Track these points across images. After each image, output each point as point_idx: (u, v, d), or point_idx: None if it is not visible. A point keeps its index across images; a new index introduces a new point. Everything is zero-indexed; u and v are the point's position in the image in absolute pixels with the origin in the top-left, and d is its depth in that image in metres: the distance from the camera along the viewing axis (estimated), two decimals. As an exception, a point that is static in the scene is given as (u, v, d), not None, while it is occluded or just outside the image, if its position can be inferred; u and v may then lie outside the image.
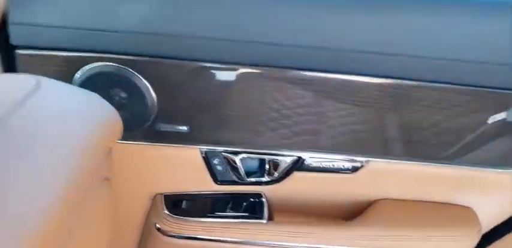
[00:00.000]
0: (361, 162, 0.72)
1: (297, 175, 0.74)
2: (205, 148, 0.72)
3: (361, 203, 0.79)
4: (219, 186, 0.77)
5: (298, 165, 0.73)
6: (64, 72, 0.62)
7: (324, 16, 0.59)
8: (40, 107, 0.31)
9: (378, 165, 0.73)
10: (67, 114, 0.33)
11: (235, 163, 0.74)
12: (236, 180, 0.76)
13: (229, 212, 0.76)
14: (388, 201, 0.78)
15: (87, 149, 0.33)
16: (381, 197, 0.78)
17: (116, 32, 0.59)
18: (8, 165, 0.25)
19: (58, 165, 0.28)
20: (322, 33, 0.59)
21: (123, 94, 0.65)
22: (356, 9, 0.59)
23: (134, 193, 0.79)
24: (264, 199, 0.77)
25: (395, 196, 0.78)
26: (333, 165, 0.73)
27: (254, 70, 0.62)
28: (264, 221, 0.74)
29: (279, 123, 0.68)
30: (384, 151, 0.71)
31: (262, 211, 0.76)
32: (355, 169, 0.73)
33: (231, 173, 0.75)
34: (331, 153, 0.72)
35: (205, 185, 0.77)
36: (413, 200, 0.78)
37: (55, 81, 0.39)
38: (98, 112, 0.39)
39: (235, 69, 0.62)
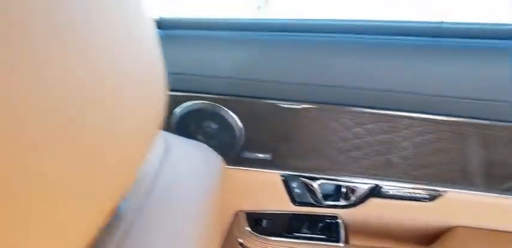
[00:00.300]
0: (439, 191, 0.74)
1: (373, 201, 0.77)
2: (285, 173, 0.78)
3: (437, 229, 0.80)
4: (297, 206, 0.82)
5: (375, 192, 0.76)
6: (166, 108, 0.71)
7: (399, 64, 0.63)
8: (173, 171, 0.38)
9: (456, 194, 0.73)
10: (194, 174, 0.40)
11: (313, 187, 0.79)
12: (313, 202, 0.81)
13: (306, 233, 0.81)
14: (465, 229, 0.78)
15: (212, 203, 0.39)
16: (458, 225, 0.78)
17: (212, 77, 0.67)
18: (151, 229, 0.32)
19: (191, 225, 0.34)
20: (401, 79, 0.64)
21: (215, 126, 0.73)
22: (426, 59, 0.64)
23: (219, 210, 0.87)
24: (340, 221, 0.81)
25: (472, 225, 0.78)
26: (410, 194, 0.75)
27: (330, 108, 0.68)
28: (341, 244, 0.78)
29: (356, 153, 0.72)
30: (463, 182, 0.71)
31: (338, 234, 0.80)
32: (432, 198, 0.74)
33: (309, 196, 0.80)
34: (409, 182, 0.74)
35: (284, 205, 0.82)
36: (491, 230, 0.78)
37: (174, 136, 0.46)
38: (212, 165, 0.46)
39: (313, 107, 0.68)
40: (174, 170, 0.38)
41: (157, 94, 0.27)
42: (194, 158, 0.44)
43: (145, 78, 0.24)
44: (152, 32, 0.27)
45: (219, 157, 0.51)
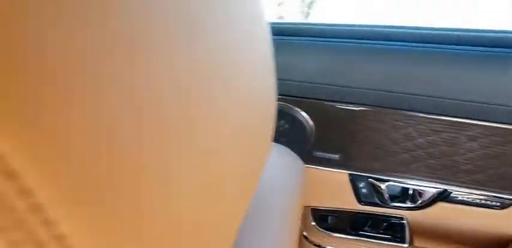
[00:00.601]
0: (511, 199, 0.73)
1: (441, 205, 0.78)
2: (353, 173, 0.81)
3: (506, 238, 0.78)
4: (362, 206, 0.85)
5: (444, 196, 0.77)
6: None
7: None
8: (265, 173, 0.43)
9: None
10: (283, 177, 0.45)
11: (380, 188, 0.81)
12: (379, 202, 0.83)
13: (370, 231, 0.84)
14: None
15: (297, 201, 0.44)
16: None
17: (285, 80, 0.72)
18: (251, 226, 0.37)
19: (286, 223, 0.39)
20: (472, 89, 0.65)
21: (287, 126, 0.77)
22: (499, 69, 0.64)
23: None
24: (405, 222, 0.83)
25: None
26: (480, 200, 0.74)
27: (399, 113, 0.71)
28: (405, 245, 0.80)
29: (425, 157, 0.73)
30: None
31: (403, 235, 0.81)
32: (504, 206, 0.73)
33: (375, 196, 0.82)
34: (480, 189, 0.73)
35: (349, 204, 0.85)
36: None
37: None
38: (296, 168, 0.51)
39: (381, 110, 0.71)
40: (266, 172, 0.43)
41: (271, 99, 0.27)
42: (281, 161, 0.48)
43: (259, 83, 0.24)
44: (268, 37, 0.26)
45: (300, 160, 0.55)
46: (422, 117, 0.70)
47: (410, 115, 0.70)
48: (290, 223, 0.40)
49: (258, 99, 0.23)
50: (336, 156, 0.79)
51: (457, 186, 0.75)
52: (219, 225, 0.20)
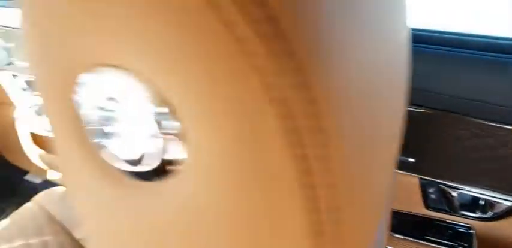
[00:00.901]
0: None
1: (514, 219, 0.77)
2: (425, 178, 0.81)
3: None
4: (428, 211, 0.85)
5: (519, 211, 0.76)
6: None
7: None
8: None
9: None
10: None
11: (451, 196, 0.81)
12: (447, 209, 0.83)
13: (435, 237, 0.84)
14: None
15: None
16: None
17: None
18: None
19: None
20: None
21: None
22: None
23: None
24: (473, 232, 0.82)
25: None
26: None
27: (480, 122, 0.71)
28: (472, 255, 0.80)
29: (503, 169, 0.72)
30: None
31: (471, 244, 0.80)
32: None
33: (444, 203, 0.82)
34: None
35: (416, 208, 0.86)
36: None
37: None
38: None
39: (463, 118, 0.71)
40: None
41: (401, 110, 0.26)
42: None
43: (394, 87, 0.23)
44: (407, 42, 0.26)
45: None
46: (502, 127, 0.69)
47: (490, 125, 0.70)
48: (381, 225, 0.42)
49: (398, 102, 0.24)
50: (412, 160, 0.80)
51: None
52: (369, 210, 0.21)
